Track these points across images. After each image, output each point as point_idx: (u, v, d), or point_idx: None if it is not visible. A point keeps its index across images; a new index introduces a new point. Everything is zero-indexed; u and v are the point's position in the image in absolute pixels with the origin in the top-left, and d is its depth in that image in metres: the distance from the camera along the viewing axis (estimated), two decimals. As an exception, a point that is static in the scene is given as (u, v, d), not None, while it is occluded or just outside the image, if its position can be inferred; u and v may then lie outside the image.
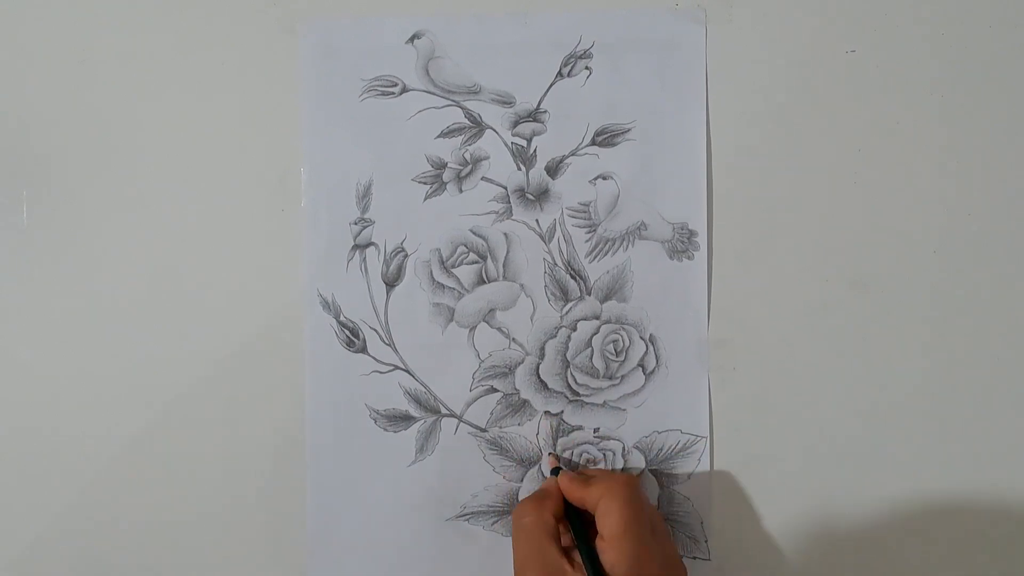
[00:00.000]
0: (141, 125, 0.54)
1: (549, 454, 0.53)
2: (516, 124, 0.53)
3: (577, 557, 0.45)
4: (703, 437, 0.53)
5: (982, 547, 0.52)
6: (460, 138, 0.53)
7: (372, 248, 0.53)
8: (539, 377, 0.53)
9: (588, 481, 0.48)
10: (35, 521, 0.54)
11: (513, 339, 0.53)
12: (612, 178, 0.53)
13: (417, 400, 0.53)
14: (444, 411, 0.53)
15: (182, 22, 0.54)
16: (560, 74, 0.53)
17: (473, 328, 0.53)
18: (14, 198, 0.54)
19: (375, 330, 0.53)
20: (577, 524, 0.47)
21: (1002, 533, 0.52)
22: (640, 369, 0.53)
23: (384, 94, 0.53)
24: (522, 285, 0.53)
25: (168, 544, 0.54)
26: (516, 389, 0.53)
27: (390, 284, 0.53)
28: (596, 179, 0.53)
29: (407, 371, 0.53)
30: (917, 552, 0.53)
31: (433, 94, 0.53)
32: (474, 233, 0.53)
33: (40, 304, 0.54)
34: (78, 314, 0.54)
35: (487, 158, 0.53)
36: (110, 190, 0.54)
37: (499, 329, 0.53)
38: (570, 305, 0.53)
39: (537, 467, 0.53)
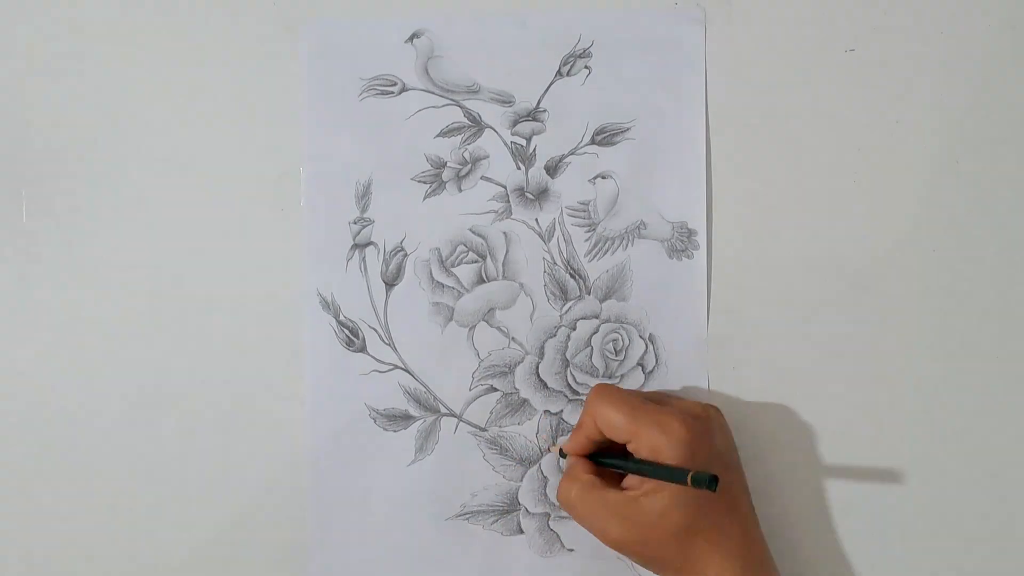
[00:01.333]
0: (141, 125, 0.54)
1: (549, 448, 0.53)
2: (515, 123, 0.53)
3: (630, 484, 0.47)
4: (703, 436, 0.53)
5: (982, 546, 0.52)
6: (459, 137, 0.53)
7: (371, 247, 0.53)
8: (539, 376, 0.53)
9: (579, 426, 0.49)
10: (32, 522, 0.54)
11: (513, 338, 0.53)
12: (611, 177, 0.53)
13: (417, 399, 0.53)
14: (444, 410, 0.53)
15: (182, 22, 0.54)
16: (559, 73, 0.53)
17: (473, 327, 0.53)
18: (14, 198, 0.54)
19: (374, 329, 0.53)
20: (610, 460, 0.48)
21: (1002, 532, 0.52)
22: (640, 368, 0.53)
23: (383, 93, 0.53)
24: (521, 284, 0.53)
25: (168, 544, 0.54)
26: (516, 388, 0.53)
27: (389, 283, 0.53)
28: (595, 178, 0.53)
29: (407, 370, 0.53)
30: (918, 551, 0.52)
31: (432, 93, 0.53)
32: (473, 232, 0.53)
33: (39, 304, 0.54)
34: (77, 314, 0.54)
35: (486, 157, 0.53)
36: (109, 190, 0.54)
37: (499, 328, 0.53)
38: (569, 304, 0.53)
39: (537, 466, 0.53)
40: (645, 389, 0.53)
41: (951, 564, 0.52)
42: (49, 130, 0.54)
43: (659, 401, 0.49)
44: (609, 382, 0.52)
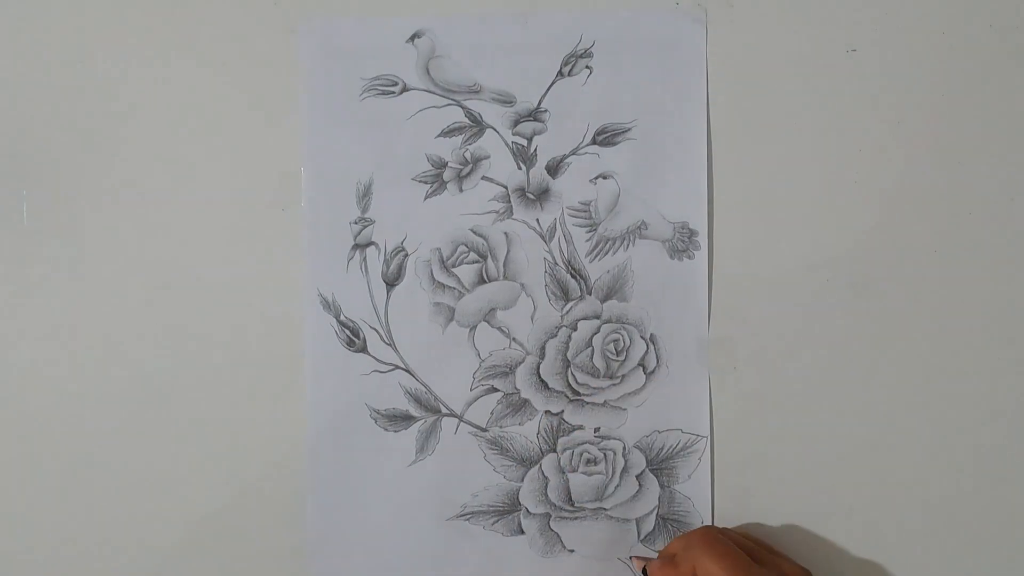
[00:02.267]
0: (142, 125, 0.54)
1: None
2: (517, 123, 0.53)
3: None
4: (703, 437, 0.53)
5: (982, 547, 0.53)
6: (460, 137, 0.53)
7: (372, 247, 0.53)
8: (540, 377, 0.53)
9: (672, 559, 0.48)
10: (33, 522, 0.54)
11: (513, 339, 0.53)
12: (612, 177, 0.53)
13: (417, 400, 0.53)
14: (444, 411, 0.53)
15: (183, 21, 0.54)
16: (561, 73, 0.53)
17: (473, 328, 0.53)
18: (15, 198, 0.54)
19: (375, 329, 0.53)
20: None
21: (1002, 532, 0.53)
22: (641, 368, 0.53)
23: (384, 93, 0.53)
24: (522, 284, 0.53)
25: (168, 544, 0.54)
26: (516, 389, 0.53)
27: (390, 283, 0.53)
28: (596, 178, 0.53)
29: (407, 371, 0.53)
30: (917, 551, 0.53)
31: (433, 93, 0.53)
32: (474, 232, 0.53)
33: (39, 304, 0.54)
34: (78, 314, 0.54)
35: (487, 157, 0.53)
36: (110, 190, 0.54)
37: (499, 329, 0.53)
38: (571, 304, 0.53)
39: (538, 466, 0.53)
40: (647, 388, 0.53)
41: (952, 563, 0.53)
42: (49, 130, 0.54)
43: (760, 558, 0.48)
44: (714, 527, 0.52)
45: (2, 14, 0.54)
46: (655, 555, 0.52)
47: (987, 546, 0.53)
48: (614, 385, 0.53)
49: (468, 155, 0.53)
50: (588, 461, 0.53)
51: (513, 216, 0.53)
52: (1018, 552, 0.53)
